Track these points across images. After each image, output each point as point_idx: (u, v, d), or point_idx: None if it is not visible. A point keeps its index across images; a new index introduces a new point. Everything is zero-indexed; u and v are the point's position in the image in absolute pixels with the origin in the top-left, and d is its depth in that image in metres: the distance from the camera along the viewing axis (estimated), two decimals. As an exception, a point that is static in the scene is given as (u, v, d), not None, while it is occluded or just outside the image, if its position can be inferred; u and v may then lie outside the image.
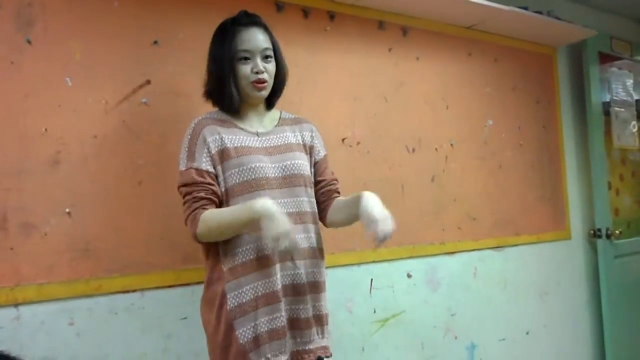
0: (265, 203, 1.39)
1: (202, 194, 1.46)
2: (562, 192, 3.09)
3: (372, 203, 1.50)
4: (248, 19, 1.55)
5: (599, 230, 3.14)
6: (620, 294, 3.16)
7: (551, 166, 3.05)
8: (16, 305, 1.51)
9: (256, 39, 1.52)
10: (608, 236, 3.14)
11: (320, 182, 1.66)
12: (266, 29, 1.57)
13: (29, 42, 1.58)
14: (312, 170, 1.65)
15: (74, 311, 1.60)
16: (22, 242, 1.53)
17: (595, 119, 3.16)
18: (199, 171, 1.47)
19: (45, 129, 1.59)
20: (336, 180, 1.71)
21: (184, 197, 1.49)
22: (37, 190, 1.56)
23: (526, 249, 2.86)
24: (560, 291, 3.02)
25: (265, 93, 1.57)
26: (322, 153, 1.69)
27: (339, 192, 1.69)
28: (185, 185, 1.48)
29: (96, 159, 1.66)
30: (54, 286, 1.56)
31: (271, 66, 1.56)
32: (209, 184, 1.47)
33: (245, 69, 1.51)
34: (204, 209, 1.45)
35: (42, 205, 1.57)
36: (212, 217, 1.44)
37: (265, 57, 1.54)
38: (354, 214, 1.54)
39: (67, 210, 1.60)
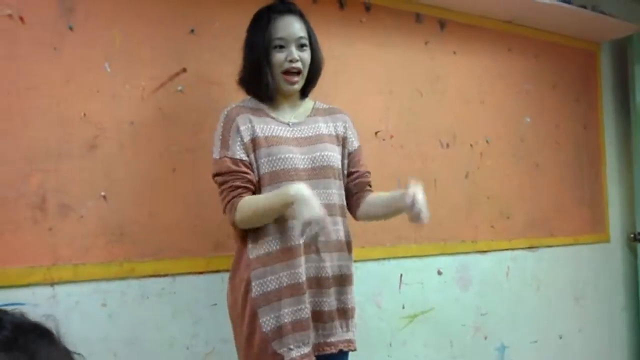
0: (300, 188, 1.39)
1: (238, 183, 1.46)
2: (602, 194, 3.00)
3: (419, 190, 1.48)
4: (284, 7, 1.55)
5: (640, 234, 3.04)
6: (660, 301, 3.06)
7: (590, 167, 2.96)
8: (52, 284, 1.55)
9: (292, 27, 1.52)
10: (649, 240, 3.03)
11: (352, 173, 1.65)
12: (302, 17, 1.56)
13: (70, 28, 1.61)
14: (345, 161, 1.64)
15: (107, 293, 1.63)
16: (60, 223, 1.57)
17: (639, 119, 3.05)
18: (234, 160, 1.48)
19: (84, 114, 1.62)
20: (369, 172, 1.69)
21: (220, 185, 1.49)
22: (75, 173, 1.60)
23: (561, 250, 2.79)
24: (596, 295, 2.93)
25: (297, 87, 1.56)
26: (356, 144, 1.68)
27: (370, 186, 1.68)
28: (220, 174, 1.49)
29: (132, 144, 1.69)
30: (88, 267, 1.60)
31: (306, 55, 1.55)
32: (244, 172, 1.48)
33: (279, 56, 1.51)
34: (241, 197, 1.46)
35: (79, 188, 1.60)
36: (249, 204, 1.44)
37: (301, 46, 1.53)
38: (395, 209, 1.54)
39: (103, 194, 1.63)
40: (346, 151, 1.65)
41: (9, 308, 0.62)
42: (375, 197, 1.63)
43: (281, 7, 1.55)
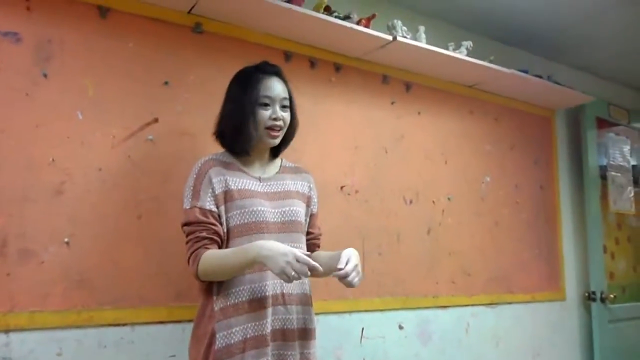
0: (260, 249, 1.40)
1: (205, 234, 1.48)
2: (558, 253, 3.10)
3: (353, 254, 1.51)
4: (272, 69, 1.63)
5: (594, 293, 3.13)
6: (614, 360, 3.12)
7: (547, 226, 3.07)
8: (7, 331, 1.52)
9: (278, 87, 1.59)
10: (602, 300, 3.13)
11: (309, 233, 1.72)
12: (285, 81, 1.64)
13: (44, 75, 1.65)
14: (306, 220, 1.70)
15: (63, 341, 1.60)
16: (19, 268, 1.55)
17: (592, 182, 3.21)
18: (203, 210, 1.50)
19: (53, 159, 1.63)
20: (321, 234, 1.77)
21: (187, 235, 1.51)
22: (39, 218, 1.59)
23: (520, 307, 2.85)
24: (553, 353, 2.98)
25: (277, 141, 1.62)
26: (317, 206, 1.76)
27: (319, 247, 1.75)
28: (188, 224, 1.51)
29: (99, 191, 1.70)
30: (45, 315, 1.57)
31: (287, 115, 1.62)
32: (212, 224, 1.50)
33: (264, 114, 1.57)
34: (206, 248, 1.47)
35: (42, 233, 1.59)
36: (212, 258, 1.46)
37: (283, 107, 1.61)
38: (329, 269, 1.53)
39: (66, 240, 1.63)
40: (309, 210, 1.71)
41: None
42: (317, 255, 1.67)
43: (269, 68, 1.62)
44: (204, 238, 1.48)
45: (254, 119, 1.56)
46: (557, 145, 3.20)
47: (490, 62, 2.56)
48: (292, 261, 1.35)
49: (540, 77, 2.78)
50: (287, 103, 1.62)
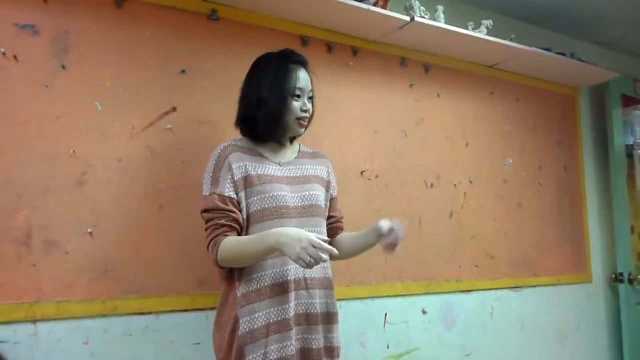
0: (278, 235, 1.40)
1: (224, 221, 1.48)
2: (583, 235, 3.05)
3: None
4: (302, 59, 1.62)
5: (621, 274, 3.07)
6: (642, 342, 3.07)
7: (572, 208, 3.01)
8: (34, 321, 1.54)
9: (307, 79, 1.61)
10: (630, 281, 3.07)
11: (331, 217, 1.72)
12: (309, 72, 1.64)
13: (63, 67, 1.65)
14: (327, 204, 1.70)
15: (90, 331, 1.62)
16: (45, 259, 1.56)
17: (618, 161, 3.13)
18: (222, 197, 1.50)
19: (74, 151, 1.64)
20: (343, 218, 1.78)
21: (206, 222, 1.51)
22: (62, 209, 1.61)
23: (545, 290, 2.81)
24: (580, 336, 2.95)
25: (304, 131, 1.64)
26: (337, 190, 1.76)
27: (343, 230, 1.76)
28: (207, 211, 1.51)
29: (120, 181, 1.70)
30: (72, 305, 1.59)
31: (312, 107, 1.63)
32: (231, 211, 1.50)
33: (296, 105, 1.58)
34: (225, 236, 1.47)
35: (66, 224, 1.61)
36: (231, 245, 1.46)
37: (310, 98, 1.62)
38: (363, 244, 1.63)
39: (89, 230, 1.64)
40: (329, 195, 1.71)
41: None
42: (343, 236, 1.71)
43: (301, 59, 1.62)
44: (223, 225, 1.48)
45: (288, 109, 1.57)
46: (581, 124, 3.13)
47: (511, 41, 2.50)
48: (307, 247, 1.34)
49: (563, 54, 2.71)
50: (312, 95, 1.63)
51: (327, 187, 1.70)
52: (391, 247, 1.55)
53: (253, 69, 1.63)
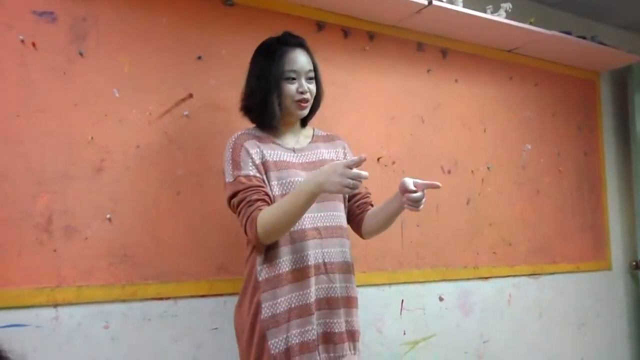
0: (314, 181, 1.38)
1: (256, 196, 1.46)
2: (603, 221, 3.00)
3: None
4: (295, 40, 1.60)
5: (642, 261, 3.03)
6: (663, 330, 3.03)
7: (591, 194, 2.97)
8: (55, 305, 1.56)
9: (302, 60, 1.58)
10: (651, 269, 3.03)
11: (355, 195, 1.69)
12: (309, 51, 1.62)
13: (80, 54, 1.66)
14: None
15: (110, 315, 1.64)
16: (65, 244, 1.58)
17: (639, 147, 3.07)
18: (248, 177, 1.49)
19: (92, 137, 1.65)
20: (369, 193, 1.73)
21: (237, 206, 1.48)
22: (81, 195, 1.62)
23: (563, 277, 2.79)
24: (599, 323, 2.92)
25: (306, 112, 1.61)
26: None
27: (372, 205, 1.71)
28: (235, 194, 1.48)
29: (138, 168, 1.71)
30: (92, 289, 1.61)
31: (313, 87, 1.60)
32: (260, 186, 1.48)
33: (291, 88, 1.56)
34: (260, 209, 1.45)
35: (85, 210, 1.62)
36: (270, 213, 1.42)
37: (309, 79, 1.59)
38: (393, 210, 1.58)
39: (108, 216, 1.65)
40: None
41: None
42: (372, 210, 1.67)
43: (292, 40, 1.60)
44: (257, 200, 1.45)
45: (280, 93, 1.55)
46: (601, 109, 3.07)
47: (531, 24, 2.45)
48: (344, 172, 1.34)
49: (584, 37, 2.66)
50: (312, 75, 1.60)
51: None
52: (416, 202, 1.49)
53: (252, 57, 1.63)
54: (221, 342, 1.77)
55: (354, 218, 1.69)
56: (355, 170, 1.35)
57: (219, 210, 1.73)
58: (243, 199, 1.46)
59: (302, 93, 1.57)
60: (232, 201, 1.50)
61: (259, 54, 1.62)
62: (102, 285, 1.63)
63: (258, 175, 1.50)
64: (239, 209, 1.48)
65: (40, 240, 1.55)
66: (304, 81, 1.57)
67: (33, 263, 1.54)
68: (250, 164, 1.51)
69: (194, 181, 1.79)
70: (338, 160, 1.66)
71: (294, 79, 1.56)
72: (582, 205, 2.92)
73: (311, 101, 1.61)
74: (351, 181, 1.34)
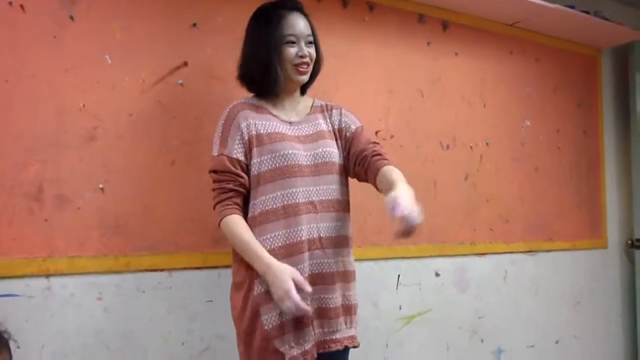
0: (268, 270, 1.41)
1: (231, 185, 1.48)
2: (600, 199, 2.99)
3: (404, 193, 1.38)
4: (292, 4, 1.55)
5: (638, 240, 3.02)
6: (657, 308, 3.05)
7: (589, 172, 2.95)
8: (47, 276, 1.54)
9: (301, 24, 1.54)
10: (647, 247, 3.03)
11: (361, 152, 1.57)
12: (307, 16, 1.58)
13: (71, 18, 1.60)
14: (348, 146, 1.60)
15: (103, 286, 1.61)
16: (56, 214, 1.55)
17: (638, 126, 3.05)
18: (231, 159, 1.49)
19: (83, 105, 1.61)
20: (377, 143, 1.62)
21: (214, 182, 1.51)
22: (73, 164, 1.58)
23: (560, 255, 2.78)
24: (593, 301, 2.92)
25: (306, 77, 1.57)
26: (354, 127, 1.63)
27: (380, 154, 1.57)
28: (216, 171, 1.50)
29: (131, 137, 1.67)
30: (84, 260, 1.58)
31: (313, 51, 1.57)
32: (239, 175, 1.49)
33: (290, 52, 1.52)
34: (233, 202, 1.48)
35: (77, 179, 1.59)
36: (233, 229, 1.46)
37: (308, 43, 1.55)
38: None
39: (101, 186, 1.62)
40: (342, 141, 1.62)
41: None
42: (381, 175, 1.51)
43: (290, 4, 1.55)
44: (230, 190, 1.48)
45: (280, 58, 1.52)
46: (602, 87, 3.03)
47: (534, -4, 2.40)
48: (284, 297, 1.37)
49: (587, 12, 2.61)
50: (311, 39, 1.56)
51: (340, 134, 1.62)
52: (406, 232, 1.36)
53: (248, 23, 1.59)
54: (216, 314, 1.76)
55: (367, 170, 1.56)
56: (296, 300, 1.36)
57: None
58: (220, 181, 1.50)
59: (302, 57, 1.53)
60: (212, 175, 1.52)
61: (256, 20, 1.57)
62: (95, 255, 1.60)
63: (242, 158, 1.49)
64: (214, 187, 1.51)
65: (31, 209, 1.52)
66: (303, 45, 1.53)
67: (24, 232, 1.51)
68: (238, 142, 1.49)
69: (189, 151, 1.76)
70: (333, 129, 1.62)
71: (293, 42, 1.52)
72: (580, 183, 2.90)
73: (311, 66, 1.57)
74: (286, 306, 1.37)
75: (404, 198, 1.33)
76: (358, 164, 1.58)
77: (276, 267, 1.40)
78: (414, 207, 1.34)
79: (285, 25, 1.51)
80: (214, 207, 1.51)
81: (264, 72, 1.52)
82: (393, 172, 1.50)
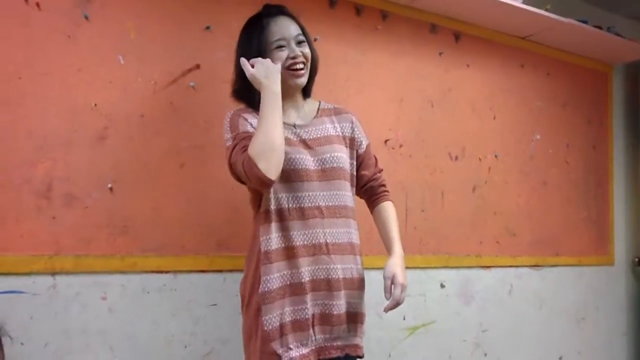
0: (259, 85, 1.42)
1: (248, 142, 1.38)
2: (608, 216, 2.97)
3: (398, 267, 1.54)
4: (275, 9, 1.53)
5: (644, 259, 3.01)
6: (662, 328, 3.02)
7: (598, 188, 2.93)
8: (53, 274, 1.53)
9: (288, 26, 1.51)
10: (653, 266, 3.01)
11: (362, 176, 1.62)
12: (293, 17, 1.55)
13: (86, 17, 1.61)
14: (356, 163, 1.61)
15: (108, 286, 1.61)
16: (64, 212, 1.55)
17: (648, 143, 3.04)
18: (247, 132, 1.43)
19: (95, 104, 1.61)
20: (380, 171, 1.66)
21: (232, 157, 1.41)
22: (83, 163, 1.58)
23: (565, 270, 2.76)
24: (598, 318, 2.90)
25: (304, 80, 1.53)
26: (365, 144, 1.64)
27: (384, 186, 1.65)
28: (234, 147, 1.42)
29: (141, 137, 1.67)
30: (90, 259, 1.58)
31: (307, 50, 1.52)
32: None
33: (282, 56, 1.48)
34: None
35: (86, 178, 1.59)
36: (252, 141, 1.36)
37: (299, 43, 1.52)
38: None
39: (110, 185, 1.62)
40: (354, 152, 1.61)
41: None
42: (379, 215, 1.64)
43: (273, 10, 1.53)
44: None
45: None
46: (613, 103, 3.03)
47: (547, 10, 2.40)
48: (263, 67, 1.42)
49: (599, 27, 2.60)
50: (302, 38, 1.52)
51: (352, 144, 1.60)
52: (394, 308, 1.52)
53: (238, 39, 1.56)
54: (219, 318, 1.75)
55: (369, 198, 1.66)
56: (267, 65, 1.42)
57: (222, 185, 1.70)
58: (236, 146, 1.41)
59: (293, 58, 1.49)
60: (231, 155, 1.42)
61: (243, 34, 1.55)
62: (101, 255, 1.60)
63: None
64: (233, 158, 1.40)
65: (39, 206, 1.52)
66: (294, 46, 1.50)
67: (31, 230, 1.51)
68: (250, 127, 1.45)
69: (199, 154, 1.76)
70: (344, 135, 1.60)
71: (283, 46, 1.49)
72: (588, 199, 2.88)
73: (307, 65, 1.53)
74: (258, 71, 1.41)
75: (398, 277, 1.51)
76: (365, 191, 1.64)
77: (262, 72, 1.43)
78: (404, 292, 1.52)
79: (271, 32, 1.49)
80: (244, 170, 1.35)
81: (253, 87, 1.47)
82: (390, 217, 1.63)
